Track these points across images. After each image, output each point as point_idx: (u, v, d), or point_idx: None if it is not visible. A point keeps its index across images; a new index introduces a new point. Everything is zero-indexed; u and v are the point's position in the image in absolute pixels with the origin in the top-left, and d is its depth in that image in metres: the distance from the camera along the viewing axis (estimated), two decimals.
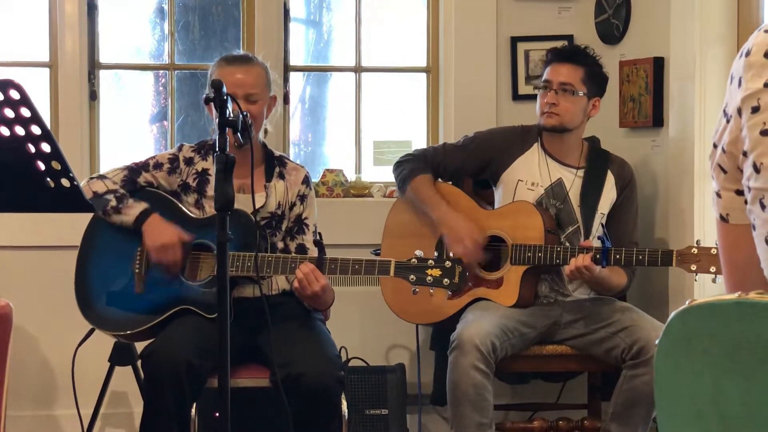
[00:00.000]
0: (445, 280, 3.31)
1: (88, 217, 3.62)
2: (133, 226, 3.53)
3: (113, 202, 3.55)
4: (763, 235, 1.62)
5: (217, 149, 2.79)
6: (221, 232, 2.76)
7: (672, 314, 1.49)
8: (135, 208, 3.55)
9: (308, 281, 3.39)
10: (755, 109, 1.61)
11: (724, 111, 1.70)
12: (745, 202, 1.66)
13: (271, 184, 3.65)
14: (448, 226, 3.86)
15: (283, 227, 3.66)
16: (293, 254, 3.60)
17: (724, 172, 1.70)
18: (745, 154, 1.64)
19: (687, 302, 1.48)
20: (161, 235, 3.50)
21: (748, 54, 1.65)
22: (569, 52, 4.04)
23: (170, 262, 3.48)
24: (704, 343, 1.45)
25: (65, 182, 3.21)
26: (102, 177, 3.64)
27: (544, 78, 3.98)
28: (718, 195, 1.72)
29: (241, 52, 3.91)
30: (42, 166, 3.19)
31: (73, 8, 4.59)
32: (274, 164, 3.69)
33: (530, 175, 3.97)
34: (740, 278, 1.69)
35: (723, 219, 1.72)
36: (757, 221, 1.63)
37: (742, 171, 1.66)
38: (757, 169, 1.61)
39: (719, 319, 1.44)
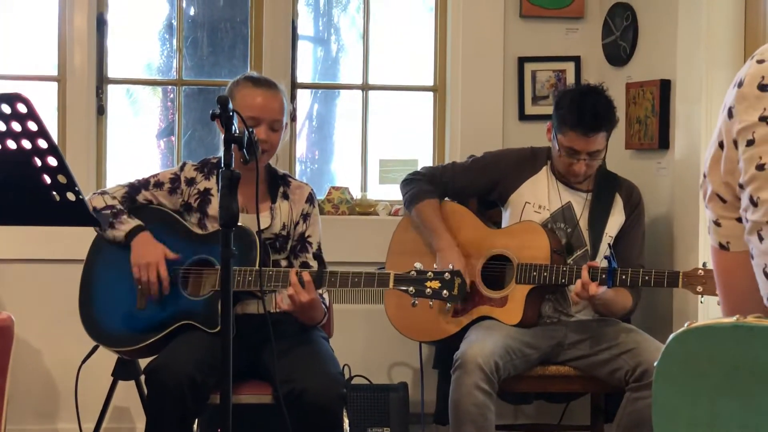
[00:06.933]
0: (444, 292, 3.30)
1: (93, 231, 3.63)
2: (124, 242, 3.55)
3: (110, 218, 3.56)
4: (761, 267, 1.61)
5: (222, 165, 2.79)
6: (225, 249, 2.75)
7: (670, 337, 1.49)
8: (127, 224, 3.56)
9: (297, 291, 3.38)
10: (750, 143, 1.61)
11: (718, 141, 1.69)
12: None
13: (276, 205, 3.64)
14: (446, 260, 3.83)
15: (288, 247, 3.66)
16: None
17: (723, 201, 1.69)
18: (741, 186, 1.63)
19: (686, 325, 1.48)
20: (146, 253, 3.51)
21: (740, 85, 1.64)
22: (597, 124, 3.77)
23: (151, 281, 3.49)
24: (702, 366, 1.45)
25: (71, 196, 3.22)
26: (103, 193, 3.65)
27: (568, 146, 3.79)
28: (717, 224, 1.70)
29: (265, 75, 3.84)
30: (48, 179, 3.20)
31: (82, 23, 4.61)
32: (278, 184, 3.68)
33: (538, 198, 3.96)
34: (740, 303, 1.68)
35: (722, 247, 1.71)
36: (755, 251, 1.62)
37: (740, 200, 1.65)
38: (754, 203, 1.60)
39: (717, 342, 1.44)
